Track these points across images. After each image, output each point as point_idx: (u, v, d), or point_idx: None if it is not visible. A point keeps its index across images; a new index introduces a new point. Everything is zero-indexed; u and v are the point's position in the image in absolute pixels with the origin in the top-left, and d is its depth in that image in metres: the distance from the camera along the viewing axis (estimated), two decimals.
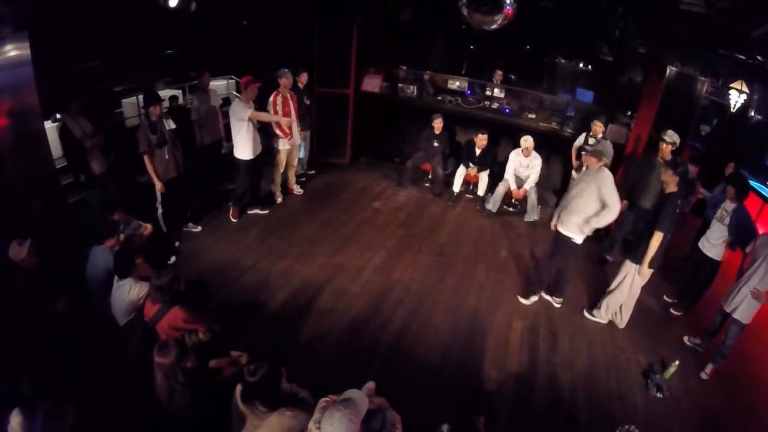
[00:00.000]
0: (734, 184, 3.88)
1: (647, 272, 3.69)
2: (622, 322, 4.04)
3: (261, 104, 5.13)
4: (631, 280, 3.81)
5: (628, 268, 3.80)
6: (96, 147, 4.41)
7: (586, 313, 4.16)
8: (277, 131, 5.16)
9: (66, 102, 4.38)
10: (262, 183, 5.74)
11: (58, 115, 5.28)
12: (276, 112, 5.08)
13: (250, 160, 4.86)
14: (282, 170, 5.56)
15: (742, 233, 3.77)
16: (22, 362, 2.56)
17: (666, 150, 4.39)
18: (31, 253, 2.94)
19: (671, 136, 4.38)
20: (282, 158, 5.42)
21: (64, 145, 4.43)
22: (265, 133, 5.20)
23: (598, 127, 5.14)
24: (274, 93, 5.11)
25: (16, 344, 2.66)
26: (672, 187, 3.57)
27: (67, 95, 4.44)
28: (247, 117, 4.58)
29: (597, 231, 3.94)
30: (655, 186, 4.42)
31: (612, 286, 3.97)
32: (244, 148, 4.78)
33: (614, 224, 4.63)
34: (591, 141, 5.20)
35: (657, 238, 3.53)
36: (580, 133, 5.56)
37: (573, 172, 5.48)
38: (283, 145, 5.29)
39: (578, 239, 3.84)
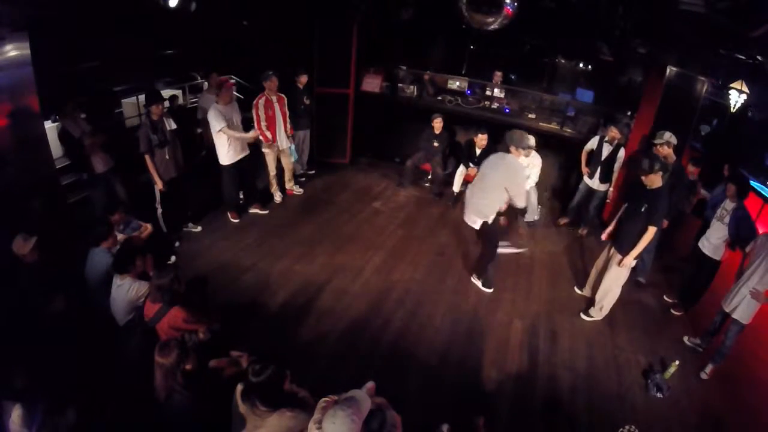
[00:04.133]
0: (735, 182, 3.88)
1: (631, 263, 3.74)
2: (601, 312, 4.07)
3: (250, 105, 5.11)
4: (617, 275, 3.85)
5: (616, 259, 3.83)
6: (97, 145, 4.41)
7: (582, 315, 4.16)
8: (260, 136, 5.11)
9: (62, 104, 4.37)
10: (258, 183, 5.74)
11: (57, 117, 5.28)
12: (258, 116, 4.98)
13: (233, 164, 4.80)
14: (275, 172, 5.53)
15: (742, 232, 3.77)
16: (23, 361, 2.56)
17: (662, 151, 4.23)
18: (33, 249, 2.96)
19: (660, 136, 4.23)
20: (269, 161, 5.40)
21: (65, 145, 4.43)
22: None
23: (614, 133, 5.04)
24: (258, 96, 5.03)
25: (16, 343, 2.66)
26: (658, 183, 3.54)
27: (63, 96, 4.44)
28: (218, 130, 4.52)
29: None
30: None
31: (606, 284, 3.96)
32: (225, 153, 4.73)
33: None
34: (606, 147, 5.14)
35: (650, 233, 3.55)
36: (582, 134, 5.55)
37: (585, 177, 5.40)
38: (266, 149, 5.26)
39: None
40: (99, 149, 4.42)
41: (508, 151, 3.96)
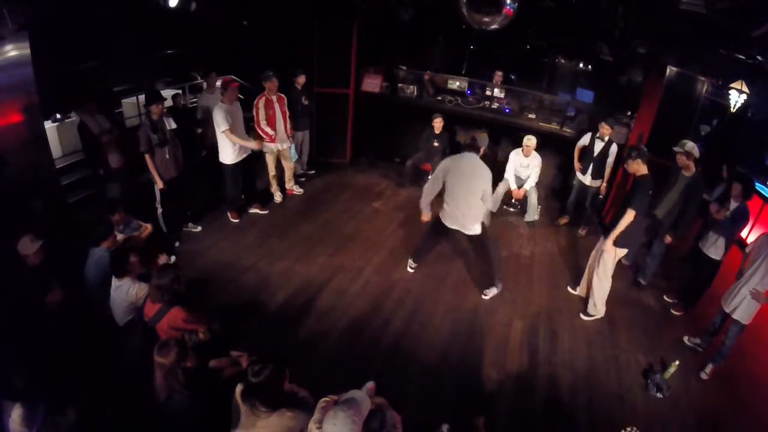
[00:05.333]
0: (741, 181, 3.86)
1: (611, 248, 3.76)
2: (596, 308, 4.06)
3: (250, 105, 5.13)
4: (603, 264, 3.87)
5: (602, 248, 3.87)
6: (113, 142, 4.47)
7: (582, 316, 4.15)
8: (261, 134, 5.12)
9: (83, 101, 4.43)
10: (258, 183, 5.74)
11: (59, 115, 5.30)
12: (257, 115, 5.01)
13: (235, 163, 4.79)
14: (274, 173, 5.53)
15: (733, 227, 3.83)
16: (23, 361, 2.56)
17: (679, 160, 4.12)
18: (38, 252, 2.97)
19: (682, 145, 4.12)
20: (269, 161, 5.40)
21: (83, 141, 4.49)
22: (255, 135, 5.17)
23: (605, 129, 5.05)
24: (259, 96, 5.04)
25: (16, 343, 2.66)
26: (642, 170, 3.62)
27: (84, 95, 4.48)
28: (222, 131, 4.52)
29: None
30: (671, 199, 4.22)
31: (594, 276, 3.97)
32: (227, 152, 4.71)
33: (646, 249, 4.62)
34: (598, 143, 5.17)
35: (629, 216, 3.60)
36: (581, 133, 5.55)
37: (577, 173, 5.44)
38: (266, 149, 5.26)
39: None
40: (114, 146, 4.48)
41: (477, 151, 3.94)
